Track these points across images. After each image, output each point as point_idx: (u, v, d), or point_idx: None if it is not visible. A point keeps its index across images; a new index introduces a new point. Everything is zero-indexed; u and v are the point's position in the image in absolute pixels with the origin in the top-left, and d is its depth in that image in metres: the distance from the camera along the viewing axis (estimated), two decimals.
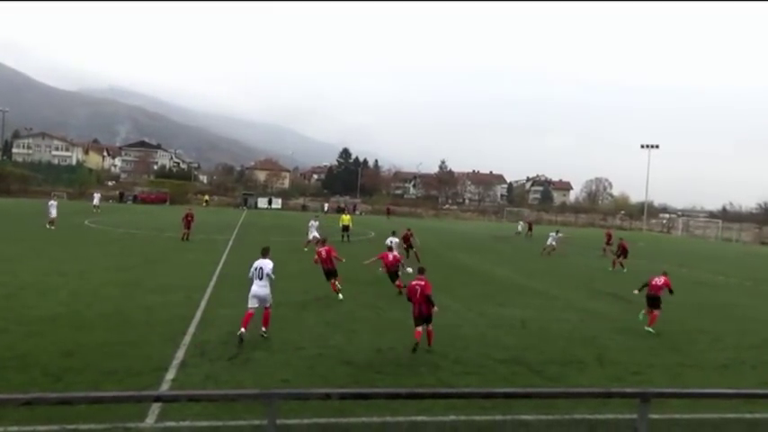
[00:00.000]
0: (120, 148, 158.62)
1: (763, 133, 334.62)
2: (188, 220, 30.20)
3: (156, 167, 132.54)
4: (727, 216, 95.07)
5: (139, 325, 11.78)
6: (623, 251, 28.66)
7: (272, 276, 11.99)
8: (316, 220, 30.30)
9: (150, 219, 47.10)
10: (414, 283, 11.89)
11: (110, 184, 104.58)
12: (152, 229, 35.84)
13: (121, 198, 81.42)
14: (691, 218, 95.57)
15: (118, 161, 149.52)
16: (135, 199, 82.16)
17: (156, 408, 7.16)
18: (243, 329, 11.20)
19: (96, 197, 55.59)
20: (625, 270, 27.32)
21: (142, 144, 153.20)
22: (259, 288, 11.82)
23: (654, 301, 14.88)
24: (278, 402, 3.69)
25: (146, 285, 16.33)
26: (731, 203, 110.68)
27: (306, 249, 27.64)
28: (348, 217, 36.50)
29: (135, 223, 40.70)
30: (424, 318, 11.50)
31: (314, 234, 28.38)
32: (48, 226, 32.22)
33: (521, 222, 59.72)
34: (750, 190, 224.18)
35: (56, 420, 6.40)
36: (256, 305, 11.67)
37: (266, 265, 12.10)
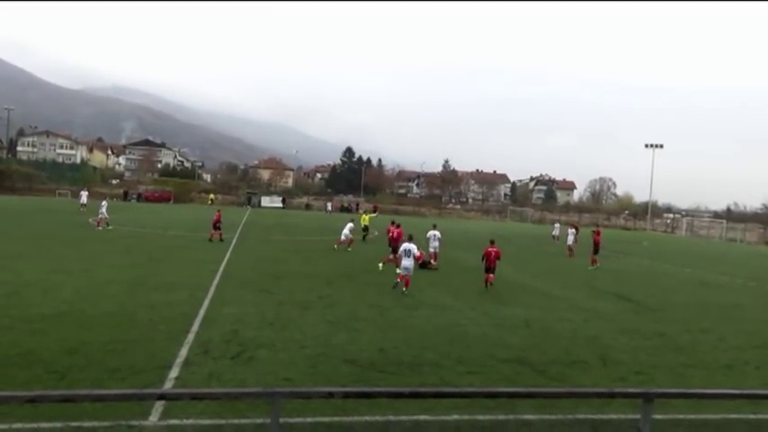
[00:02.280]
0: (125, 146, 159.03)
1: (764, 132, 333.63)
2: (216, 222, 29.89)
3: (159, 166, 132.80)
4: (732, 216, 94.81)
5: (143, 323, 11.81)
6: (595, 246, 28.53)
7: (416, 254, 17.76)
8: (352, 223, 30.41)
9: (154, 217, 47.22)
10: (489, 249, 19.22)
11: (114, 182, 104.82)
12: (156, 228, 35.93)
13: (125, 196, 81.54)
14: (695, 218, 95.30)
15: (122, 159, 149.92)
16: (139, 197, 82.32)
17: (159, 406, 7.17)
18: (399, 281, 17.44)
19: (83, 195, 51.77)
20: (597, 266, 27.36)
21: (146, 142, 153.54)
22: (407, 262, 17.41)
23: None
24: (281, 401, 3.69)
25: (150, 283, 16.37)
26: (736, 204, 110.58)
27: (336, 248, 28.72)
28: (368, 217, 36.63)
29: (139, 221, 40.78)
30: (492, 270, 18.95)
31: (346, 234, 29.01)
32: (99, 227, 33.18)
33: (556, 225, 50.94)
34: (755, 190, 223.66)
35: (59, 418, 6.42)
36: (404, 273, 17.33)
37: (413, 247, 17.81)
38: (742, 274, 29.78)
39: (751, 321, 16.53)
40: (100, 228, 33.17)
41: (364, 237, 34.13)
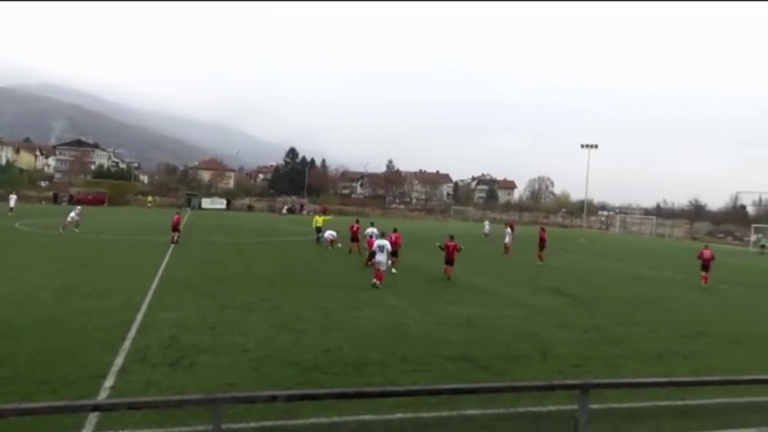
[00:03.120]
0: (55, 147, 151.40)
1: (693, 133, 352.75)
2: (175, 224, 30.56)
3: (93, 167, 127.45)
4: (661, 213, 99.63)
5: (75, 331, 11.31)
6: (541, 242, 30.37)
7: (389, 249, 19.94)
8: (373, 227, 30.39)
9: (87, 220, 45.17)
10: (448, 242, 22.00)
11: (43, 184, 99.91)
12: (89, 232, 34.43)
13: (56, 199, 78.03)
14: (627, 215, 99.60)
15: (52, 161, 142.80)
16: (71, 200, 78.89)
17: (93, 417, 6.88)
18: (377, 281, 18.68)
19: (12, 199, 50.01)
20: (544, 262, 29.03)
21: (78, 143, 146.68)
22: (380, 257, 19.17)
23: (706, 268, 23.80)
24: (223, 406, 3.62)
25: (82, 290, 15.68)
26: (665, 201, 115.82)
27: (330, 248, 31.60)
28: (321, 218, 36.47)
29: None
30: (450, 262, 21.68)
31: (332, 234, 32.22)
32: (62, 230, 33.26)
33: (486, 222, 53.30)
34: (682, 188, 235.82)
35: None
36: (378, 266, 19.09)
37: (384, 242, 19.85)
38: (670, 267, 31.30)
39: (679, 313, 17.39)
40: (62, 230, 33.17)
41: (318, 238, 34.21)
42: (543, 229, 32.14)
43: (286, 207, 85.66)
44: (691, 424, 7.58)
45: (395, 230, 25.04)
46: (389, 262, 23.02)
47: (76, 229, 33.88)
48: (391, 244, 23.34)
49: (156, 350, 10.28)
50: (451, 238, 22.62)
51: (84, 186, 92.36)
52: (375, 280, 18.79)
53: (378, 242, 20.10)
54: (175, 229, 30.35)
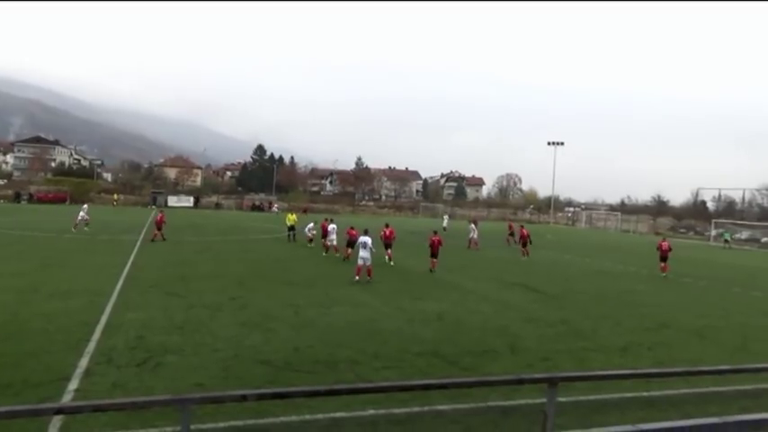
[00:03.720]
0: (13, 143, 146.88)
1: (655, 132, 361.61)
2: (159, 223, 31.22)
3: (53, 165, 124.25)
4: (625, 209, 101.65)
5: (38, 333, 11.00)
6: (524, 239, 32.30)
7: (374, 249, 20.14)
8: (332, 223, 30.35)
9: (49, 219, 44.09)
10: (433, 237, 23.41)
11: (1, 182, 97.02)
12: (51, 231, 33.56)
13: (16, 198, 75.86)
14: (593, 211, 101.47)
15: (10, 158, 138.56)
16: (30, 198, 76.85)
17: (57, 421, 6.71)
18: (357, 277, 19.24)
19: None
20: (525, 258, 30.38)
21: (38, 140, 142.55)
22: (365, 253, 19.49)
23: (664, 259, 25.71)
24: (192, 407, 3.57)
25: (45, 291, 15.26)
26: (629, 197, 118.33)
27: (310, 245, 30.93)
28: (294, 216, 36.19)
29: (31, 224, 37.96)
30: (435, 255, 23.11)
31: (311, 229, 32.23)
32: (73, 229, 34.34)
33: (446, 217, 56.29)
34: (645, 185, 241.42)
35: None
36: (362, 263, 19.42)
37: (368, 240, 19.99)
38: (635, 262, 32.00)
39: (643, 306, 17.80)
40: (74, 230, 34.04)
41: (290, 236, 34.20)
42: (523, 227, 34.08)
43: (276, 205, 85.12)
44: (655, 414, 7.77)
45: (387, 226, 25.94)
46: (386, 256, 24.60)
47: (86, 228, 34.85)
48: (385, 239, 24.96)
49: (122, 351, 10.08)
50: (435, 233, 24.31)
51: (45, 184, 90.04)
52: (367, 276, 19.46)
53: (362, 239, 20.33)
54: (159, 227, 30.91)
